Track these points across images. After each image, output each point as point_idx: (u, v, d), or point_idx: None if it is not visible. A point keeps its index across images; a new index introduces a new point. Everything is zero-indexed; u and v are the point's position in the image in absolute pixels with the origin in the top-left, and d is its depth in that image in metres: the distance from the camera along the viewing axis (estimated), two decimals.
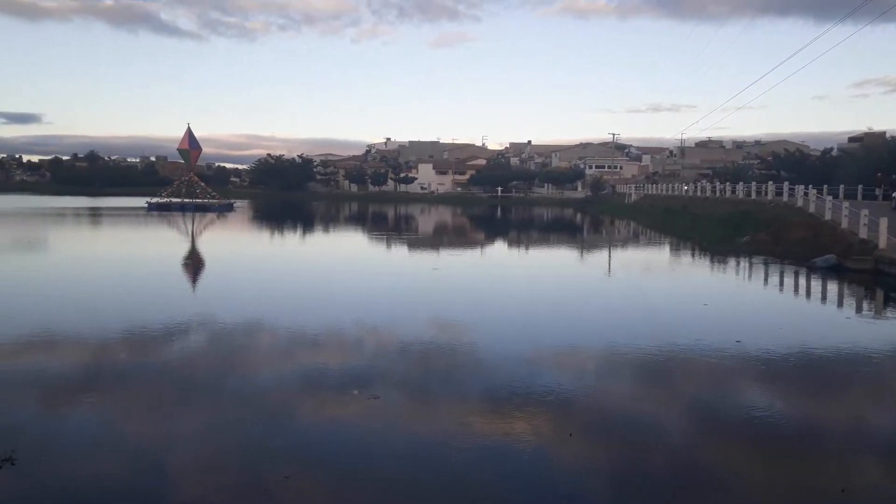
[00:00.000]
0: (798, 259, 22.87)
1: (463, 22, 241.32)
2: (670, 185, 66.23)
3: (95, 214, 51.29)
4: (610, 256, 28.03)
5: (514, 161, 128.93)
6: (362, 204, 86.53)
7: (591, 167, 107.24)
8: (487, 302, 15.62)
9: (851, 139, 78.68)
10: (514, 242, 35.62)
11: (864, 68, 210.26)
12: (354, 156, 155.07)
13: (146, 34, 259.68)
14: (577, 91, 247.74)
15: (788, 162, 67.31)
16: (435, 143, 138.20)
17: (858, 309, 16.00)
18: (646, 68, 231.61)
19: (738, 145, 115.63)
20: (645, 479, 6.16)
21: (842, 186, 38.63)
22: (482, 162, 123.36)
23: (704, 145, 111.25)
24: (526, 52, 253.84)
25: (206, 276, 20.28)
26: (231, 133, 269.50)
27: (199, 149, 64.73)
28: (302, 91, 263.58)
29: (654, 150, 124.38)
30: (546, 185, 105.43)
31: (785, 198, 35.54)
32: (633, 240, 38.49)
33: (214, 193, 64.84)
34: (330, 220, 52.55)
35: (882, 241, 21.19)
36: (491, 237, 40.24)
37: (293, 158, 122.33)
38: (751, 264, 23.25)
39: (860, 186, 39.02)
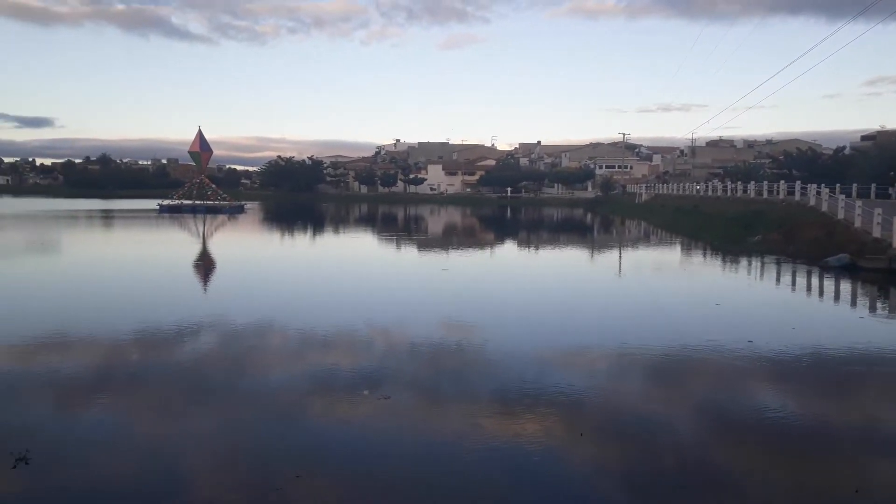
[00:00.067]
0: (810, 258, 22.71)
1: (472, 23, 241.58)
2: (681, 185, 65.88)
3: (108, 217, 51.66)
4: (621, 256, 27.93)
5: (524, 161, 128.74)
6: (372, 205, 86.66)
7: (601, 167, 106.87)
8: (497, 302, 15.61)
9: (864, 137, 77.99)
10: (523, 243, 35.56)
11: (877, 66, 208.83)
12: (364, 157, 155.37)
13: (157, 38, 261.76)
14: (586, 91, 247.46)
15: (800, 161, 66.76)
16: (444, 144, 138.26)
17: (872, 308, 15.86)
18: (656, 68, 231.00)
19: (750, 144, 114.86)
20: (657, 479, 6.13)
21: (854, 185, 38.31)
22: (492, 162, 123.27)
23: (715, 144, 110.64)
24: (535, 53, 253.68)
25: (218, 277, 20.38)
26: (242, 135, 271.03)
27: (210, 151, 65.09)
28: (312, 93, 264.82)
29: (665, 150, 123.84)
30: (556, 185, 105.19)
31: (797, 197, 35.29)
32: (643, 240, 38.33)
33: (225, 195, 65.16)
34: (340, 222, 52.66)
35: None
36: (500, 238, 40.19)
37: (303, 160, 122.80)
38: (763, 264, 23.10)
39: (873, 185, 38.65)
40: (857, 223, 24.39)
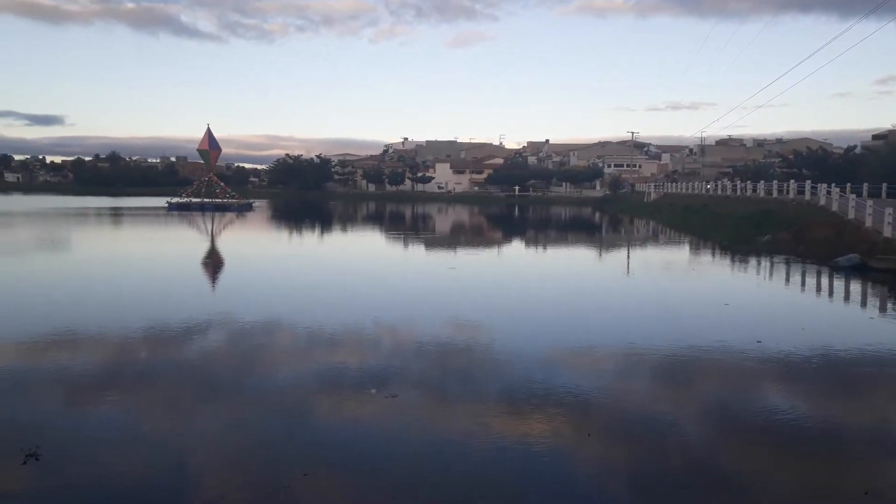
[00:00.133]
0: (820, 258, 22.57)
1: (480, 21, 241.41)
2: (690, 184, 65.63)
3: (117, 214, 51.94)
4: (629, 255, 27.85)
5: (532, 160, 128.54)
6: (380, 203, 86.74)
7: (609, 166, 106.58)
8: (505, 301, 15.60)
9: (875, 136, 77.39)
10: (531, 242, 35.51)
11: (889, 65, 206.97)
12: (372, 155, 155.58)
13: (167, 36, 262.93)
14: (595, 89, 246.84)
15: (810, 160, 66.34)
16: (452, 143, 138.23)
17: (882, 309, 15.75)
18: (665, 66, 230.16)
19: (759, 143, 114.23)
20: (664, 480, 6.11)
21: (865, 185, 38.00)
22: (499, 161, 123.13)
23: (725, 143, 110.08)
24: (544, 51, 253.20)
25: (227, 275, 20.46)
26: (250, 133, 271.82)
27: (219, 149, 65.33)
28: (320, 91, 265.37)
29: (674, 149, 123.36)
30: (564, 184, 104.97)
31: (807, 196, 35.07)
32: (652, 239, 38.21)
33: (234, 193, 65.42)
34: (348, 220, 52.74)
35: None
36: (508, 236, 40.16)
37: (311, 158, 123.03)
38: (772, 264, 22.98)
39: (884, 185, 38.29)
40: (868, 223, 24.22)
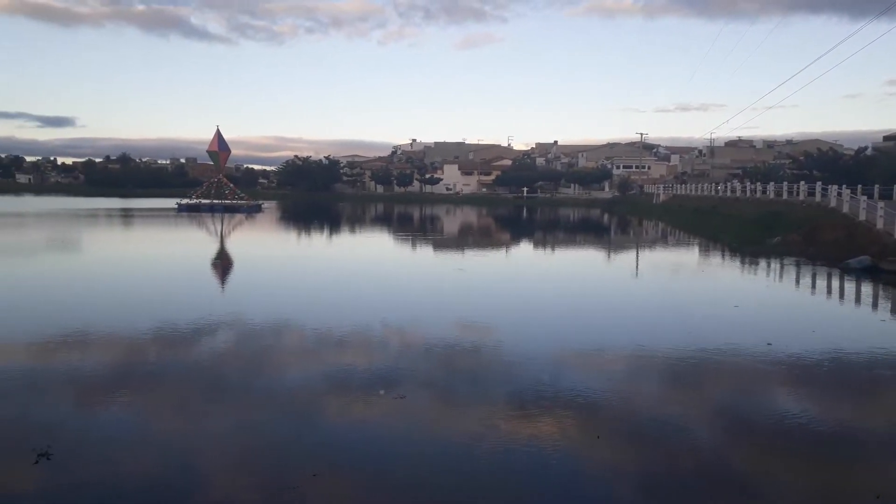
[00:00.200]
0: (831, 260, 22.44)
1: (489, 23, 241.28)
2: (699, 186, 65.37)
3: (127, 215, 52.24)
4: (638, 257, 27.77)
5: (540, 161, 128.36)
6: (388, 205, 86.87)
7: (618, 167, 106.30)
8: (513, 303, 15.59)
9: (886, 138, 76.87)
10: (539, 243, 35.47)
11: None
12: (380, 157, 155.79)
13: (177, 38, 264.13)
14: (604, 91, 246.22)
15: (821, 161, 65.93)
16: (460, 144, 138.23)
17: (894, 311, 15.65)
18: (674, 67, 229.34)
19: (769, 145, 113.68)
20: (675, 482, 6.10)
21: (877, 186, 37.69)
22: (508, 162, 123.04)
23: (734, 145, 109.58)
24: (553, 53, 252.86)
25: (236, 276, 20.54)
26: (259, 135, 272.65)
27: (228, 151, 65.60)
28: (329, 93, 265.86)
29: (683, 150, 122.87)
30: (572, 185, 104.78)
31: (817, 198, 34.85)
32: (661, 240, 38.09)
33: (243, 194, 65.69)
34: (356, 221, 52.84)
35: None
36: (516, 238, 40.13)
37: (320, 160, 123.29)
38: (782, 265, 22.86)
39: None
40: (879, 225, 24.05)
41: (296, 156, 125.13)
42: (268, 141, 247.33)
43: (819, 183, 37.29)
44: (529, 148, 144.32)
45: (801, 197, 37.86)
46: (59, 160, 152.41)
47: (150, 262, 22.84)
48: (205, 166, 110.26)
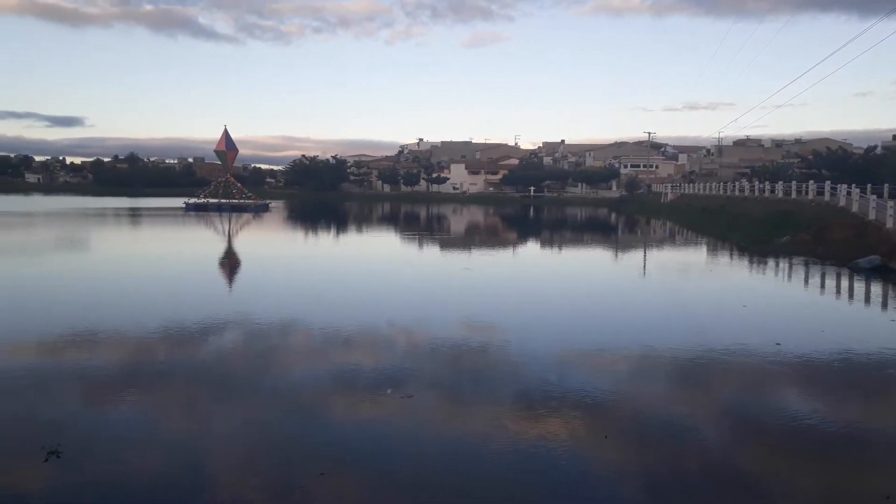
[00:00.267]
0: (840, 260, 22.30)
1: (496, 22, 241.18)
2: (707, 185, 65.13)
3: (136, 215, 52.48)
4: (646, 257, 27.69)
5: (548, 160, 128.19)
6: (395, 204, 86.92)
7: (625, 166, 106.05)
8: (521, 302, 15.56)
9: None
10: (546, 243, 35.42)
11: None
12: (387, 156, 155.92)
13: (185, 38, 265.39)
14: (611, 90, 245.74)
15: (830, 160, 65.56)
16: (467, 143, 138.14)
17: None
18: (682, 66, 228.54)
19: (778, 144, 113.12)
20: (683, 483, 6.07)
21: (886, 185, 37.41)
22: (515, 162, 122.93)
23: (742, 144, 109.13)
24: (560, 52, 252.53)
25: (244, 275, 20.59)
26: (267, 134, 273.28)
27: (236, 150, 65.81)
28: (336, 92, 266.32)
29: (691, 149, 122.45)
30: (580, 184, 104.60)
31: (827, 197, 34.67)
32: (669, 240, 37.97)
33: (250, 194, 65.85)
34: (363, 221, 52.91)
35: None
36: (523, 237, 40.08)
37: (327, 159, 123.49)
38: (791, 265, 22.74)
39: None
40: (889, 224, 23.89)
41: (303, 155, 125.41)
42: (275, 140, 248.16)
43: (828, 182, 37.11)
44: (536, 147, 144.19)
45: (810, 196, 37.68)
46: (68, 160, 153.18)
47: (159, 262, 22.94)
48: (212, 166, 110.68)
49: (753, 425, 7.59)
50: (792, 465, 6.46)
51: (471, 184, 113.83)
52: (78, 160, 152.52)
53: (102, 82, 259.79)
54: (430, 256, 27.10)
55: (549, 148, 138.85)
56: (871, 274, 19.96)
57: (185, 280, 18.61)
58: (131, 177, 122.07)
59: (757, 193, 47.36)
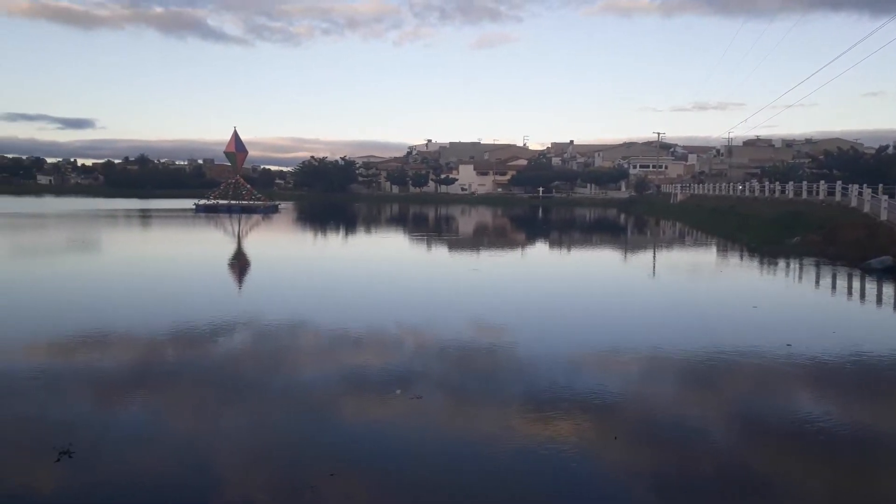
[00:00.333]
0: (852, 260, 22.14)
1: (505, 22, 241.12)
2: (717, 185, 64.84)
3: (146, 216, 52.77)
4: (655, 257, 27.59)
5: (556, 161, 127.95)
6: (403, 205, 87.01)
7: (635, 167, 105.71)
8: (529, 303, 15.54)
9: None
10: (555, 243, 35.34)
11: None
12: (396, 157, 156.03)
13: (194, 40, 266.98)
14: (620, 90, 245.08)
15: (841, 160, 65.11)
16: (476, 144, 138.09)
17: None
18: (691, 66, 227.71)
19: (788, 144, 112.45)
20: (693, 484, 6.05)
21: None
22: (523, 162, 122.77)
23: (752, 144, 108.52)
24: (568, 52, 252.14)
25: (254, 276, 20.67)
26: (276, 136, 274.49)
27: (245, 151, 66.03)
28: (345, 94, 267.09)
29: (701, 150, 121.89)
30: (589, 185, 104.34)
31: (838, 197, 34.45)
32: (679, 240, 37.82)
33: (260, 195, 66.04)
34: (372, 221, 52.99)
35: None
36: (532, 238, 40.02)
37: (336, 161, 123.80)
38: (802, 266, 22.61)
39: None
40: None
41: (312, 157, 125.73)
42: (284, 142, 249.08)
43: (839, 182, 36.87)
44: (545, 148, 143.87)
45: (821, 196, 37.45)
46: (80, 161, 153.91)
47: (169, 263, 23.06)
48: (222, 167, 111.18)
49: (764, 427, 7.55)
50: (803, 466, 6.43)
51: (479, 185, 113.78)
52: (89, 162, 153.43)
53: (113, 84, 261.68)
54: (439, 257, 27.11)
55: (558, 148, 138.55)
56: (882, 275, 19.81)
57: (195, 281, 18.70)
58: (142, 178, 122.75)
59: (767, 194, 47.12)
